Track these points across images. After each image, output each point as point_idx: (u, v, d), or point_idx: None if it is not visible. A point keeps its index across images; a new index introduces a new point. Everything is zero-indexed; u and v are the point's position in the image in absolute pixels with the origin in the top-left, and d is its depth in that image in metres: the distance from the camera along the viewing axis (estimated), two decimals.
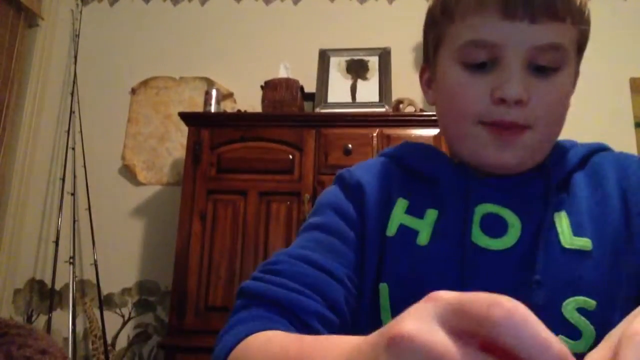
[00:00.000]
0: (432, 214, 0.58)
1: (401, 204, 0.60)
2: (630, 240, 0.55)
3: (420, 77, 0.67)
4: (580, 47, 0.60)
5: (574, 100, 0.60)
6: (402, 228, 0.58)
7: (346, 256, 0.58)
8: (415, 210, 0.59)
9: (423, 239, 0.57)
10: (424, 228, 0.58)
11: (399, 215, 0.59)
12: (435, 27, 0.61)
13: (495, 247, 0.55)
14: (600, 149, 0.62)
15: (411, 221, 0.59)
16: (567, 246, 0.54)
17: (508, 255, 0.55)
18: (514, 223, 0.56)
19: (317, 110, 2.09)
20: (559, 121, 0.57)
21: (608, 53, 2.33)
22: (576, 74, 0.63)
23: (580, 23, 0.57)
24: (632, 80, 2.31)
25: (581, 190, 0.58)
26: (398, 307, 0.56)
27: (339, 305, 0.53)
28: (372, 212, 0.61)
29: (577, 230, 0.55)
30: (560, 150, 0.61)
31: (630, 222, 0.55)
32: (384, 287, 0.57)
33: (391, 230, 0.59)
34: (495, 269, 0.55)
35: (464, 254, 0.55)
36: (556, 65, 0.55)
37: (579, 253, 0.54)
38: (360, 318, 0.59)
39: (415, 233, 0.58)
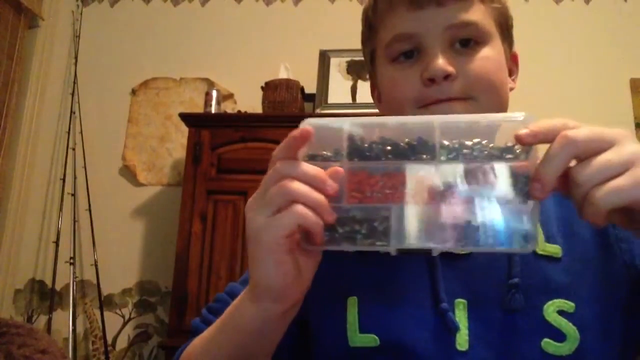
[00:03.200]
0: None
1: None
2: (607, 247, 0.56)
3: (372, 95, 0.72)
4: (502, 25, 0.62)
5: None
6: None
7: None
8: None
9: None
10: None
11: None
12: (367, 43, 0.66)
13: (462, 251, 0.56)
14: None
15: None
16: (539, 251, 0.55)
17: (478, 259, 0.55)
18: None
19: (318, 111, 2.10)
20: (498, 92, 0.59)
21: (608, 53, 2.33)
22: (513, 56, 0.65)
23: (491, 1, 0.60)
24: (632, 81, 2.30)
25: (547, 202, 0.59)
26: (367, 317, 0.55)
27: None
28: None
29: (547, 237, 0.57)
30: None
31: (604, 230, 0.57)
32: (352, 301, 0.56)
33: None
34: (468, 273, 0.55)
35: (434, 261, 0.55)
36: (476, 40, 0.58)
37: (549, 258, 0.55)
38: (322, 341, 0.58)
39: None
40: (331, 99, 2.12)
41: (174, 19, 2.59)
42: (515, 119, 0.42)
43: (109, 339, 2.21)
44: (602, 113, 2.27)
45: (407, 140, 0.42)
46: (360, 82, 2.16)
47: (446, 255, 0.55)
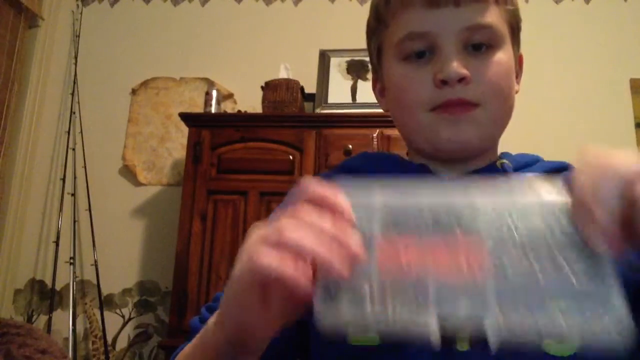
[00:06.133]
0: None
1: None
2: None
3: (373, 88, 0.69)
4: (513, 28, 0.61)
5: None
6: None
7: None
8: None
9: None
10: None
11: None
12: (374, 36, 0.65)
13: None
14: (566, 167, 0.63)
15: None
16: None
17: None
18: None
19: (318, 110, 2.09)
20: (506, 98, 0.58)
21: (608, 53, 2.33)
22: (519, 58, 0.65)
23: (505, 3, 0.59)
24: (632, 81, 2.30)
25: None
26: None
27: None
28: None
29: None
30: (525, 158, 0.63)
31: None
32: None
33: None
34: None
35: None
36: (491, 43, 0.57)
37: None
38: (322, 338, 0.57)
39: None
40: (331, 99, 2.12)
41: (174, 19, 2.59)
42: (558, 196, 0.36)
43: (109, 339, 2.21)
44: (602, 113, 2.27)
45: (447, 205, 0.37)
46: (360, 82, 2.16)
47: None
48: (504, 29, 0.59)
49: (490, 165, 0.61)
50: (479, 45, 0.57)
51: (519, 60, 0.64)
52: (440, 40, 0.56)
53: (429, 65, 0.57)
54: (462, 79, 0.55)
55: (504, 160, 0.62)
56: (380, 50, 0.64)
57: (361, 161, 0.67)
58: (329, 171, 0.70)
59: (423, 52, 0.58)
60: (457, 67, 0.55)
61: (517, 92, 0.62)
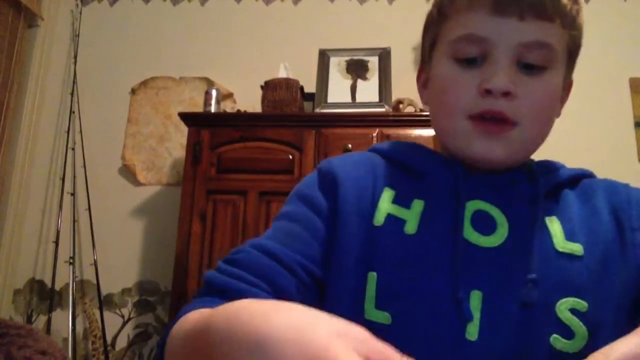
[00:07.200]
0: (418, 205, 0.59)
1: (388, 194, 0.60)
2: (624, 251, 0.56)
3: (418, 79, 0.69)
4: (571, 53, 0.60)
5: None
6: (390, 217, 0.58)
7: (306, 244, 0.59)
8: (402, 200, 0.60)
9: (410, 228, 0.57)
10: (411, 217, 0.58)
11: (386, 205, 0.59)
12: (432, 27, 0.64)
13: (485, 245, 0.56)
14: (589, 174, 0.65)
15: (398, 210, 0.59)
16: (560, 249, 0.55)
17: (499, 253, 0.55)
18: (502, 222, 0.57)
19: (317, 110, 2.09)
20: (545, 121, 0.58)
21: (608, 53, 2.33)
22: (569, 83, 0.63)
23: (571, 28, 0.58)
24: (632, 80, 2.30)
25: (572, 204, 0.60)
26: (383, 295, 0.55)
27: (287, 293, 0.55)
28: (349, 204, 0.61)
29: (569, 236, 0.56)
30: (549, 164, 0.63)
31: (623, 235, 0.57)
32: (372, 276, 0.56)
33: (379, 220, 0.58)
34: (487, 265, 0.55)
35: (456, 248, 0.55)
36: (544, 64, 0.56)
37: (570, 257, 0.55)
38: (339, 307, 0.57)
39: (402, 222, 0.58)
40: (331, 98, 2.12)
41: (174, 18, 2.59)
42: None
43: (109, 339, 2.21)
44: (602, 112, 2.27)
45: None
46: (359, 81, 2.16)
47: (469, 247, 0.55)
48: (561, 52, 0.57)
49: (519, 167, 0.61)
50: (531, 65, 0.56)
51: (567, 86, 0.63)
52: (496, 50, 0.56)
53: (477, 71, 0.57)
54: (507, 93, 0.54)
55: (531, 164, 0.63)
56: (435, 43, 0.63)
57: (391, 147, 0.68)
58: (360, 152, 0.69)
59: (475, 59, 0.57)
60: (505, 80, 0.54)
61: (557, 116, 0.61)
